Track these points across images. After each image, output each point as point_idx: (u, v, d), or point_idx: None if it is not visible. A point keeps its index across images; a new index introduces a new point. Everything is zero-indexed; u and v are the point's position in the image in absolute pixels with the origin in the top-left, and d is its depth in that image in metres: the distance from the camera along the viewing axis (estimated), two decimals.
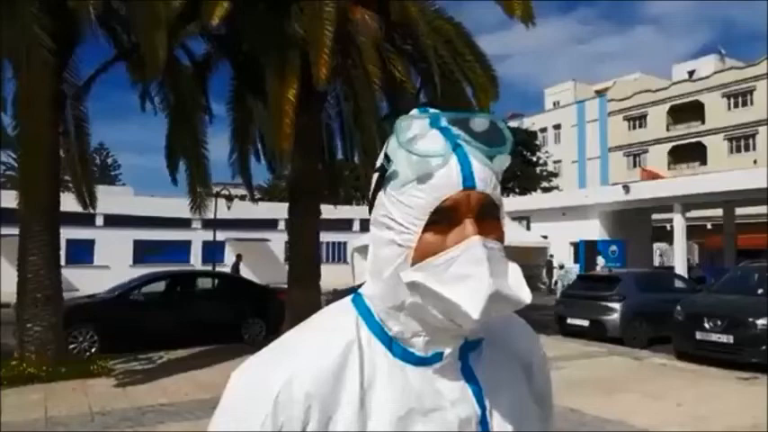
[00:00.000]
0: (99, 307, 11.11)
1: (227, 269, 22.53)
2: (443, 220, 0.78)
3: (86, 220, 21.03)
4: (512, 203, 30.30)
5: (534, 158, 41.39)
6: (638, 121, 47.29)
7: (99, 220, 26.14)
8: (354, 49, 9.74)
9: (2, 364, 8.13)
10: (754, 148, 39.50)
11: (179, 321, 10.94)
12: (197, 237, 28.78)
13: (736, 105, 41.29)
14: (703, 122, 42.75)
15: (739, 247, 27.00)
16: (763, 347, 9.08)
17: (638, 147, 46.88)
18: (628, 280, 13.12)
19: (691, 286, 14.46)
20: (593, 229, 26.86)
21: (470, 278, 0.75)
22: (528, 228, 29.35)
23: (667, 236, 30.02)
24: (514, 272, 0.81)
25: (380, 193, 0.84)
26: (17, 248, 8.94)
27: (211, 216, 17.64)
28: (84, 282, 19.85)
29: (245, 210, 24.01)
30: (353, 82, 10.72)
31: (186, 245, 29.35)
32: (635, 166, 45.75)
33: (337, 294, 9.19)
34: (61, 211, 9.29)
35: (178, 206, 18.34)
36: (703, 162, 41.97)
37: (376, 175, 0.84)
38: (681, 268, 23.33)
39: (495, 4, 10.32)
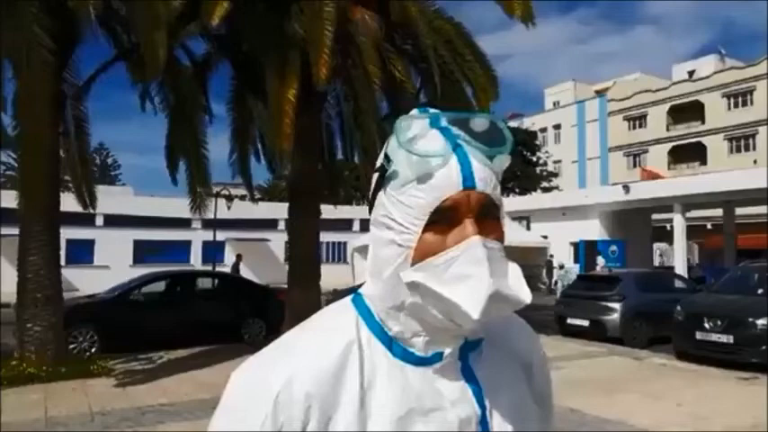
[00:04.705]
0: (99, 307, 11.11)
1: (227, 269, 22.53)
2: (443, 220, 0.78)
3: (86, 220, 21.03)
4: (512, 203, 30.31)
5: (534, 158, 41.39)
6: (638, 121, 47.28)
7: (99, 220, 26.15)
8: (354, 49, 9.74)
9: (2, 364, 8.13)
10: (754, 148, 39.49)
11: (179, 321, 10.94)
12: (197, 237, 28.79)
13: (736, 105, 41.28)
14: (703, 122, 42.74)
15: (739, 247, 26.99)
16: (763, 347, 9.08)
17: (638, 147, 46.87)
18: (628, 280, 13.12)
19: (691, 286, 14.45)
20: (593, 229, 26.85)
21: (470, 278, 0.75)
22: (528, 228, 29.35)
23: (667, 236, 30.01)
24: (514, 272, 0.81)
25: (380, 193, 0.84)
26: (17, 248, 8.94)
27: (211, 216, 17.65)
28: (84, 282, 19.86)
29: (245, 210, 24.02)
30: (353, 82, 10.71)
31: (186, 245, 29.37)
32: (635, 166, 45.74)
33: (337, 294, 9.21)
34: (61, 211, 9.29)
35: (178, 206, 18.36)
36: (703, 162, 41.96)
37: (376, 175, 0.84)
38: (681, 268, 23.33)
39: (495, 4, 10.33)
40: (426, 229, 0.78)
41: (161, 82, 10.91)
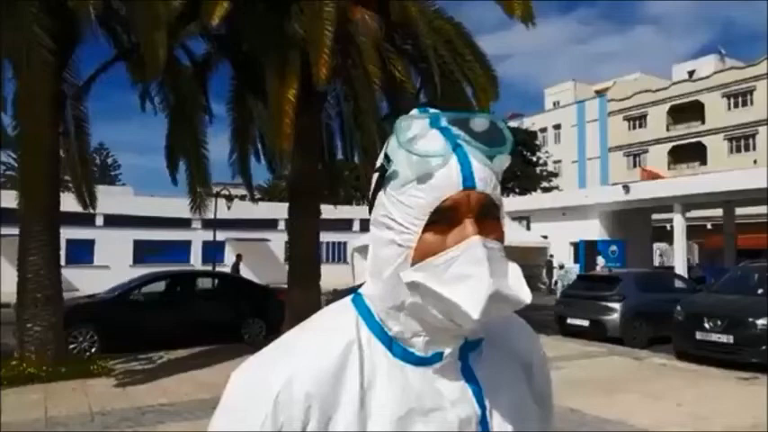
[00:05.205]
0: (99, 307, 11.11)
1: (227, 269, 22.53)
2: (443, 220, 0.78)
3: (86, 220, 21.03)
4: (512, 203, 30.30)
5: (534, 158, 41.39)
6: (638, 121, 47.29)
7: (99, 220, 26.15)
8: (354, 49, 9.74)
9: (2, 364, 8.13)
10: (754, 148, 39.49)
11: (179, 321, 10.94)
12: (197, 237, 28.79)
13: (736, 105, 41.28)
14: (703, 122, 42.74)
15: (739, 247, 26.99)
16: (763, 347, 9.07)
17: (638, 147, 46.88)
18: (628, 280, 13.11)
19: (691, 286, 14.45)
20: (593, 229, 26.85)
21: (470, 278, 0.75)
22: (528, 228, 29.35)
23: (667, 236, 30.01)
24: (514, 272, 0.81)
25: (380, 193, 0.84)
26: (17, 248, 8.93)
27: (211, 216, 17.64)
28: (84, 282, 19.86)
29: (245, 210, 24.02)
30: (353, 82, 10.71)
31: (186, 245, 29.36)
32: (635, 166, 45.74)
33: (337, 294, 9.21)
34: (61, 211, 9.28)
35: (178, 206, 18.36)
36: (703, 162, 41.96)
37: (376, 175, 0.84)
38: (681, 268, 23.33)
39: (495, 4, 10.33)
40: (426, 229, 0.78)
41: (161, 82, 10.91)
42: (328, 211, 15.18)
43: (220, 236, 26.85)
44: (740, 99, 41.04)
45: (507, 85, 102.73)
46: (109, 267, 24.93)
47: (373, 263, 0.85)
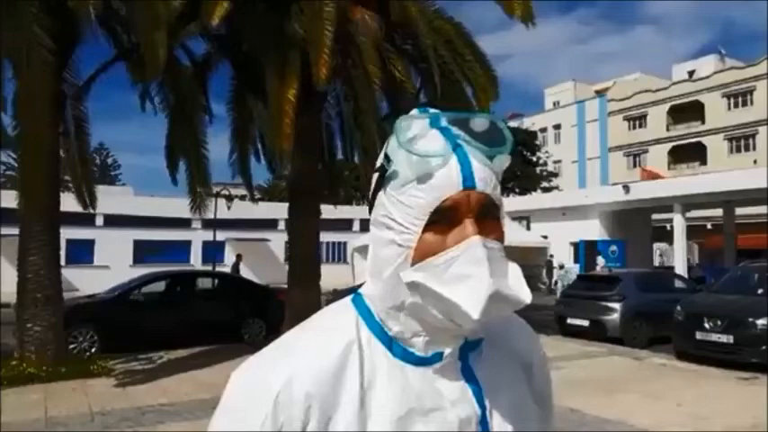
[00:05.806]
0: (99, 307, 11.11)
1: (227, 269, 22.53)
2: (443, 220, 0.78)
3: (86, 220, 21.03)
4: (512, 203, 30.30)
5: (534, 158, 41.39)
6: (638, 121, 47.29)
7: (99, 220, 26.15)
8: (354, 49, 9.74)
9: (2, 364, 8.13)
10: (754, 148, 39.49)
11: (179, 321, 10.94)
12: (197, 237, 28.79)
13: (736, 105, 41.28)
14: (703, 122, 42.74)
15: (739, 247, 26.99)
16: (763, 347, 9.07)
17: (638, 147, 46.88)
18: (628, 280, 13.12)
19: (691, 286, 14.45)
20: (593, 229, 26.85)
21: (470, 278, 0.75)
22: (528, 228, 29.34)
23: (667, 236, 30.01)
24: (514, 272, 0.81)
25: (380, 193, 0.84)
26: (17, 248, 8.93)
27: (211, 216, 17.64)
28: (84, 282, 19.86)
29: (245, 210, 24.02)
30: (353, 82, 10.71)
31: (186, 245, 29.37)
32: (635, 166, 45.74)
33: (337, 294, 9.21)
34: (61, 211, 9.29)
35: (178, 206, 18.36)
36: (703, 162, 41.96)
37: (376, 175, 0.84)
38: (681, 268, 23.33)
39: (495, 4, 10.33)
40: (426, 229, 0.78)
41: (161, 82, 10.91)
42: (328, 211, 15.18)
43: (220, 236, 26.85)
44: (740, 99, 41.04)
45: (507, 85, 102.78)
46: (109, 267, 24.94)
47: (373, 263, 0.85)
